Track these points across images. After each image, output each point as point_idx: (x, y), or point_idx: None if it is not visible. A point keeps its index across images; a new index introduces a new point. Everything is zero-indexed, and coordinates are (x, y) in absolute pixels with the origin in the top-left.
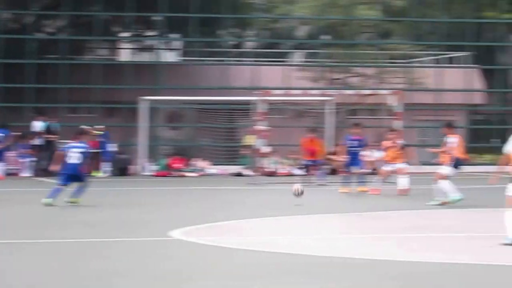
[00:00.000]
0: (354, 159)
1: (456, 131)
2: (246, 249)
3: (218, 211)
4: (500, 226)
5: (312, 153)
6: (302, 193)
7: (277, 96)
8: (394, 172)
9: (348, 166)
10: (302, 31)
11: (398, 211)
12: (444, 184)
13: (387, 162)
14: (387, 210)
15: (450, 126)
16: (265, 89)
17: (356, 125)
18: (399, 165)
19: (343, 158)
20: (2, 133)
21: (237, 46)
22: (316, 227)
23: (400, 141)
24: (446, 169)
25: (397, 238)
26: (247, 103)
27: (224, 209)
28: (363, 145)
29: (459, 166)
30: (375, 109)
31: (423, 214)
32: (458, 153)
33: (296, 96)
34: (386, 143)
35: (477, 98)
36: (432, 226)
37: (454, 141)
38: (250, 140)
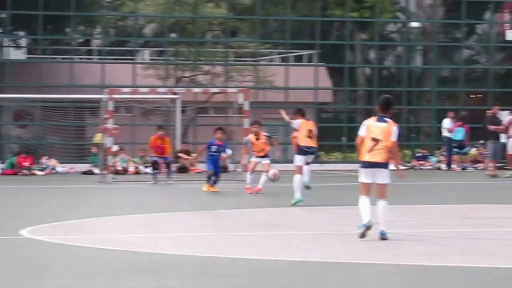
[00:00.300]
0: (214, 163)
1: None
2: (94, 247)
3: (68, 210)
4: (350, 223)
5: (161, 151)
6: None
7: (125, 94)
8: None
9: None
10: (149, 29)
11: (252, 209)
12: (296, 180)
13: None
14: (242, 208)
15: (297, 112)
16: (113, 87)
17: (219, 129)
18: (264, 160)
19: (194, 157)
20: None
21: (84, 44)
22: (166, 225)
23: (265, 134)
24: (296, 159)
25: (249, 236)
26: (95, 101)
27: (74, 208)
28: (222, 150)
29: (306, 153)
30: (223, 107)
31: (276, 212)
32: (301, 139)
33: (144, 94)
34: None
35: (325, 96)
36: (284, 225)
37: (297, 125)
38: (99, 138)
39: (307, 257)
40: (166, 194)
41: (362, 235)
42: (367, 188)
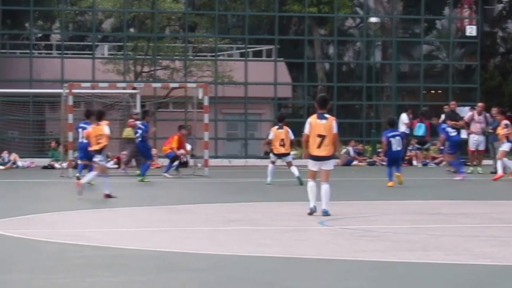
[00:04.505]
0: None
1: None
2: (55, 241)
3: (29, 204)
4: (311, 219)
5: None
6: None
7: (85, 89)
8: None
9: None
10: (108, 23)
11: (201, 204)
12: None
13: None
14: (203, 203)
15: (277, 118)
16: (73, 82)
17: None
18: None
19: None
20: None
21: (44, 38)
22: (126, 220)
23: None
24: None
25: (209, 231)
26: (55, 95)
27: (35, 202)
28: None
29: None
30: (183, 102)
31: (228, 208)
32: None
33: (104, 89)
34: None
35: (284, 92)
36: (244, 220)
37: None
38: (128, 133)
39: (266, 253)
40: (126, 189)
41: (310, 214)
42: (314, 174)
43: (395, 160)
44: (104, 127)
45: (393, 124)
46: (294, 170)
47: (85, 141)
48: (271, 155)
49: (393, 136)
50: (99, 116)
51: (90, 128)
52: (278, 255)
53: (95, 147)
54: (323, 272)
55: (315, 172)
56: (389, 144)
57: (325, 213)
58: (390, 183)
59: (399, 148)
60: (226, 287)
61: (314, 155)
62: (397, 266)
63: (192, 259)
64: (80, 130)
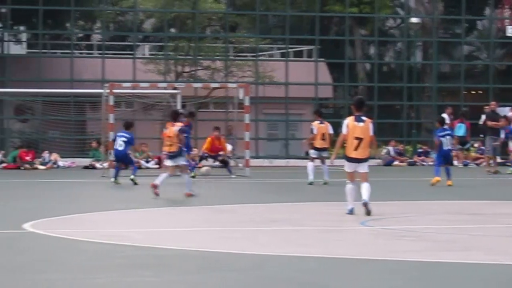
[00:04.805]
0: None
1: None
2: (96, 241)
3: (70, 204)
4: (351, 219)
5: (217, 151)
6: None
7: (126, 89)
8: None
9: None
10: (149, 24)
11: (242, 204)
12: (309, 166)
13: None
14: (234, 203)
15: (315, 113)
16: (114, 82)
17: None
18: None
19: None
20: None
21: (85, 38)
22: (167, 220)
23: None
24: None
25: (250, 231)
26: (96, 95)
27: (76, 202)
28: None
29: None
30: (223, 102)
31: (278, 208)
32: (316, 141)
33: (145, 89)
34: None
35: (325, 92)
36: (285, 220)
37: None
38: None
39: (307, 253)
40: (168, 188)
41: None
42: (353, 176)
43: (446, 159)
44: (175, 128)
45: (444, 123)
46: (326, 170)
47: (120, 148)
48: (311, 152)
49: (444, 136)
50: (175, 117)
51: (167, 129)
52: (319, 255)
53: (170, 149)
54: (364, 272)
55: (353, 174)
56: (440, 143)
57: (365, 203)
58: (437, 178)
59: (450, 147)
60: (267, 287)
61: (351, 157)
62: (438, 266)
63: (233, 259)
64: (117, 139)
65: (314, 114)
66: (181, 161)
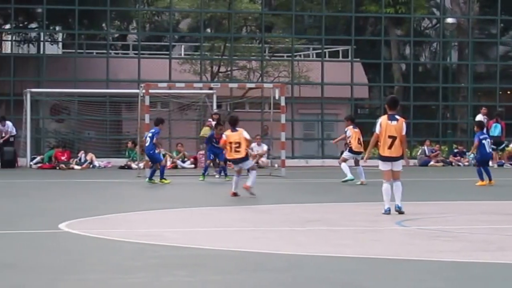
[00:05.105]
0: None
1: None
2: (132, 241)
3: (105, 204)
4: (387, 219)
5: None
6: None
7: (162, 89)
8: None
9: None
10: (185, 24)
11: (278, 204)
12: (344, 166)
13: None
14: (279, 203)
15: (347, 119)
16: (149, 82)
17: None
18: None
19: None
20: None
21: (120, 38)
22: (203, 220)
23: None
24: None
25: (287, 231)
26: (131, 95)
27: (111, 202)
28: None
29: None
30: (259, 102)
31: (313, 208)
32: (353, 144)
33: (180, 89)
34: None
35: (361, 92)
36: (321, 220)
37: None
38: (206, 132)
39: (343, 253)
40: (204, 189)
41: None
42: (389, 175)
43: (486, 161)
44: (243, 133)
45: (483, 127)
46: (361, 171)
47: (146, 145)
48: (347, 153)
49: (485, 139)
50: (234, 123)
51: (225, 136)
52: (355, 256)
53: (236, 156)
54: (400, 272)
55: (389, 173)
56: (481, 145)
57: (398, 208)
58: (482, 183)
59: (490, 150)
60: (303, 287)
61: (385, 156)
62: (474, 266)
63: (270, 259)
64: (147, 137)
65: (347, 121)
66: (247, 166)
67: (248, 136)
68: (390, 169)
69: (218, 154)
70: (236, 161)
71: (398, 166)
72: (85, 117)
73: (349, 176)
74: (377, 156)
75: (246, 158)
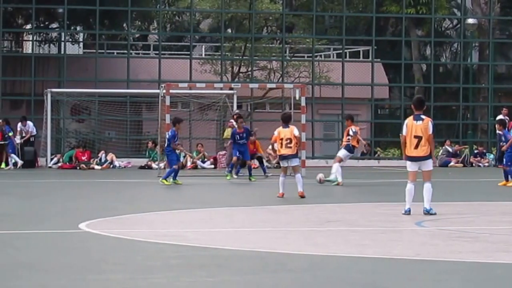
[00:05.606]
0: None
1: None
2: (154, 241)
3: (126, 204)
4: (407, 220)
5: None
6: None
7: (182, 89)
8: None
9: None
10: (205, 24)
11: (309, 204)
12: (337, 167)
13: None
14: (290, 203)
15: (348, 119)
16: (170, 82)
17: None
18: None
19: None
20: None
21: (141, 39)
22: (223, 220)
23: None
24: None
25: (307, 232)
26: (152, 96)
27: (132, 202)
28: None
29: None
30: (280, 102)
31: (333, 209)
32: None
33: (201, 89)
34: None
35: (381, 93)
36: (341, 220)
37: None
38: (228, 133)
39: (363, 253)
40: (224, 189)
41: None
42: (414, 175)
43: None
44: (295, 130)
45: (505, 125)
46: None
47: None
48: (345, 152)
49: None
50: (287, 120)
51: (276, 132)
52: (375, 256)
53: (287, 152)
54: (420, 273)
55: (415, 174)
56: None
57: (426, 212)
58: (506, 183)
59: None
60: (324, 287)
61: (412, 156)
62: (494, 267)
63: (290, 260)
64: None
65: (348, 120)
66: (295, 163)
67: (299, 134)
68: (416, 170)
69: (243, 152)
70: (287, 157)
71: (427, 166)
72: (106, 117)
73: (334, 177)
74: (396, 157)
75: (295, 155)
